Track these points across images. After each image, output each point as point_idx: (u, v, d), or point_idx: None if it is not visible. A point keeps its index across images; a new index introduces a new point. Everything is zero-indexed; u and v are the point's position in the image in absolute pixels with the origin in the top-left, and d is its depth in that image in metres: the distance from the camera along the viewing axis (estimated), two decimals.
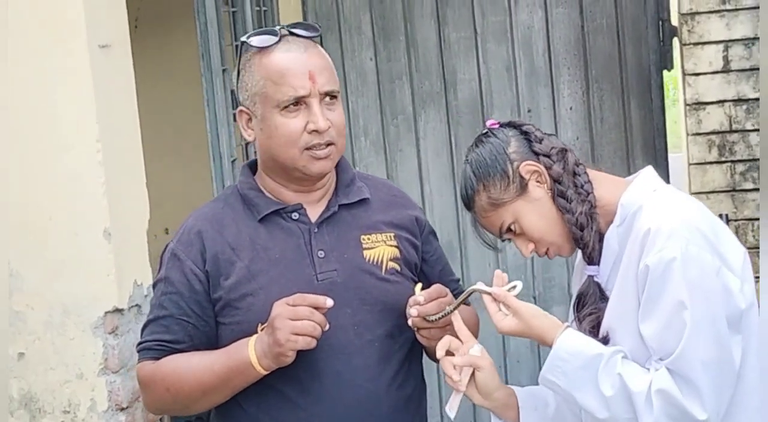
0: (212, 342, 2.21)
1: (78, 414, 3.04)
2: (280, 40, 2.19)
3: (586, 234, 2.11)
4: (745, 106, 3.98)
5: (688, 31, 3.99)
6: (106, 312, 3.01)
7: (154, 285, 2.28)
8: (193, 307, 2.19)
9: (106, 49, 3.02)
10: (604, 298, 2.13)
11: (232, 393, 2.16)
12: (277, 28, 2.23)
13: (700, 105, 4.01)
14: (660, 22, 4.35)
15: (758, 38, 3.95)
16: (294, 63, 2.16)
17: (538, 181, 2.14)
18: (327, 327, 2.06)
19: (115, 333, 3.03)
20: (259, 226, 2.23)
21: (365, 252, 2.24)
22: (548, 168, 2.14)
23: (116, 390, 3.05)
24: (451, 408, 2.18)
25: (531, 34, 4.47)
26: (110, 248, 2.98)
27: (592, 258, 2.14)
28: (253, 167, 2.33)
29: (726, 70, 3.98)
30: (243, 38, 2.23)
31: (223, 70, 3.74)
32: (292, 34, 2.22)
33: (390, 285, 2.24)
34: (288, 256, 2.20)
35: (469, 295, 2.15)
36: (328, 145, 2.17)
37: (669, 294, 1.95)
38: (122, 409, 3.06)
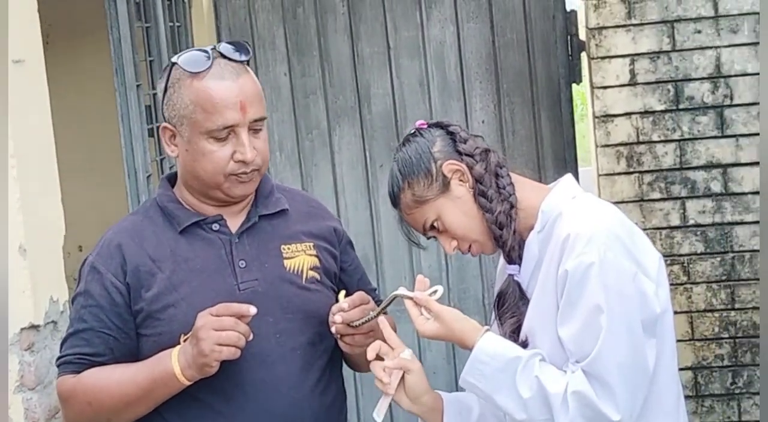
0: (133, 354, 2.20)
1: None
2: (212, 65, 2.17)
3: (505, 233, 2.16)
4: (651, 118, 4.08)
5: (596, 45, 4.09)
6: (22, 329, 2.97)
7: (73, 299, 2.26)
8: (113, 320, 2.19)
9: (19, 65, 3.00)
10: (523, 297, 2.17)
11: (155, 405, 2.16)
12: (209, 48, 2.20)
13: (608, 117, 4.11)
14: (568, 37, 4.44)
15: (663, 52, 4.06)
16: (226, 93, 2.14)
17: (460, 180, 2.18)
18: (251, 336, 2.07)
19: (31, 350, 3.00)
20: (180, 238, 2.24)
21: (286, 262, 2.27)
22: (470, 167, 2.18)
23: (33, 407, 3.01)
24: (379, 413, 2.20)
25: (443, 49, 4.53)
26: (25, 264, 2.95)
27: (512, 257, 2.18)
28: (171, 179, 2.33)
29: (633, 82, 4.08)
30: (174, 59, 2.21)
31: (137, 86, 3.72)
32: (223, 56, 2.19)
33: (310, 293, 2.27)
34: (209, 267, 2.21)
35: (392, 301, 2.18)
36: (250, 172, 2.19)
37: (586, 298, 2.00)
38: None
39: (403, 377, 2.18)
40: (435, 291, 2.15)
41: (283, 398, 2.20)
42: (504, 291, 2.21)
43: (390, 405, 2.21)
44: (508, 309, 2.19)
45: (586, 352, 2.00)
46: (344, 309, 2.16)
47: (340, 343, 2.23)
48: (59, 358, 2.26)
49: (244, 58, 2.21)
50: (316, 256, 2.31)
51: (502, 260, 2.28)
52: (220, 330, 2.03)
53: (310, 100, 4.61)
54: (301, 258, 2.28)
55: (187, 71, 2.17)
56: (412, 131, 2.26)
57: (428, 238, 2.28)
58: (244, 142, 2.15)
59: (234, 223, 2.27)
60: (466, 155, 2.20)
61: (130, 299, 2.19)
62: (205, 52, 2.19)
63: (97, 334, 2.20)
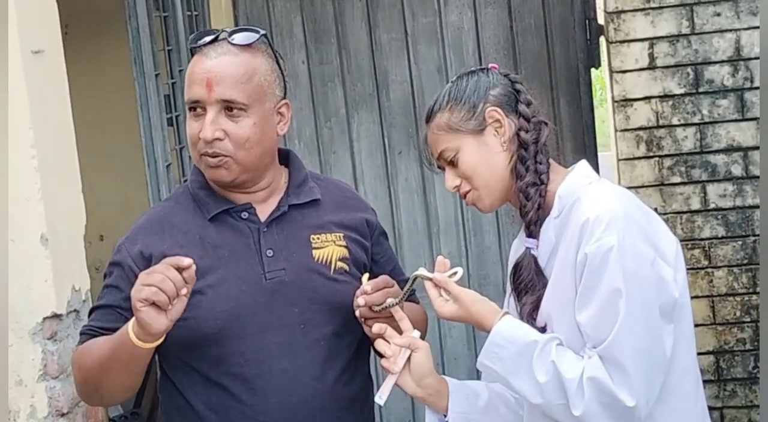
0: None
1: (18, 420, 3.02)
2: (210, 43, 2.20)
3: (530, 205, 2.15)
4: (671, 102, 4.07)
5: (615, 29, 4.07)
6: (45, 318, 3.00)
7: (104, 276, 2.29)
8: (128, 301, 2.17)
9: (38, 55, 3.01)
10: (540, 273, 2.16)
11: (128, 371, 2.12)
12: (221, 30, 2.24)
13: (627, 101, 4.09)
14: (587, 21, 4.43)
15: (682, 35, 4.04)
16: (199, 67, 2.18)
17: (496, 131, 2.18)
18: (185, 291, 2.00)
19: (54, 339, 3.02)
20: (209, 225, 2.25)
21: (314, 252, 2.26)
22: (521, 130, 2.17)
23: (56, 395, 3.03)
24: (381, 396, 2.19)
25: (461, 35, 4.52)
26: (47, 254, 2.97)
27: (531, 231, 2.17)
28: None
29: (652, 66, 4.07)
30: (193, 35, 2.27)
31: (156, 75, 3.73)
32: (227, 38, 2.21)
33: (338, 284, 2.26)
34: (237, 255, 2.22)
35: (414, 282, 2.17)
36: (217, 156, 2.18)
37: (606, 283, 1.99)
38: (62, 415, 3.04)
39: (408, 358, 2.18)
40: (455, 273, 2.14)
41: (304, 388, 2.19)
42: (520, 264, 2.19)
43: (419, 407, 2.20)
44: (523, 281, 2.17)
45: (603, 337, 1.99)
46: (367, 292, 2.16)
47: (365, 328, 2.22)
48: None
49: (239, 41, 2.20)
50: (346, 247, 2.30)
51: (517, 239, 2.28)
52: (144, 285, 1.98)
53: (328, 87, 4.60)
54: (330, 249, 2.28)
55: (192, 46, 2.23)
56: (483, 67, 2.27)
57: (438, 167, 2.26)
58: (205, 120, 2.16)
59: (264, 212, 2.27)
60: (522, 117, 2.19)
61: None
62: (216, 32, 2.23)
63: (111, 311, 2.22)
